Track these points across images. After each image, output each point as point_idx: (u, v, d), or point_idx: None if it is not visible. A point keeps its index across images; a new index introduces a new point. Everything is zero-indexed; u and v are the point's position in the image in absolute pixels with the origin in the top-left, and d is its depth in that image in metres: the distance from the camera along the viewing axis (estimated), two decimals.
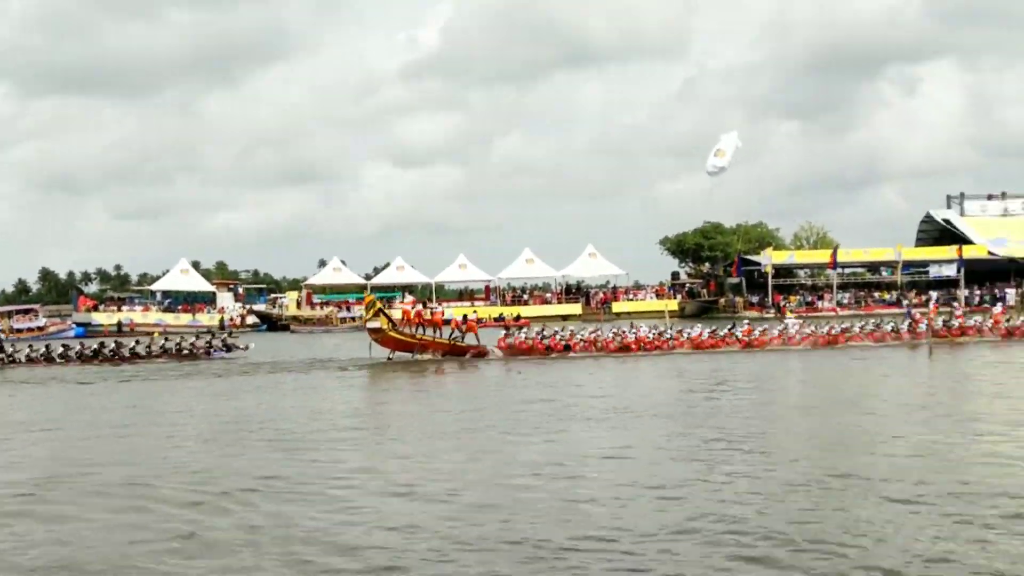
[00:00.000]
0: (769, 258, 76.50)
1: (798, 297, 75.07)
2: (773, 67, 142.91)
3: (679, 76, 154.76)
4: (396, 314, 37.61)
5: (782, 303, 70.49)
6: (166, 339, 40.76)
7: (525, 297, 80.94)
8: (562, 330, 37.00)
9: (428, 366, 31.86)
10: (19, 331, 63.77)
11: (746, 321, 41.21)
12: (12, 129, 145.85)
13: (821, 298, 74.78)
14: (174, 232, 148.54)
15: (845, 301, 73.21)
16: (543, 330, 36.98)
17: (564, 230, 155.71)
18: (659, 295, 78.43)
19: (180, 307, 75.37)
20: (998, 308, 46.81)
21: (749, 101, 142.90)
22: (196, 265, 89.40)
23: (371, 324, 32.78)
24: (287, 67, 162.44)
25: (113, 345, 38.58)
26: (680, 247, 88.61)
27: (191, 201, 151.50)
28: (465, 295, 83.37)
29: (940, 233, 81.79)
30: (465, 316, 36.98)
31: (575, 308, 76.89)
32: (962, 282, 71.32)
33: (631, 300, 78.18)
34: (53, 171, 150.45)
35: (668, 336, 35.04)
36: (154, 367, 34.40)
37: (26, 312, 73.07)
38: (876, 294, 74.90)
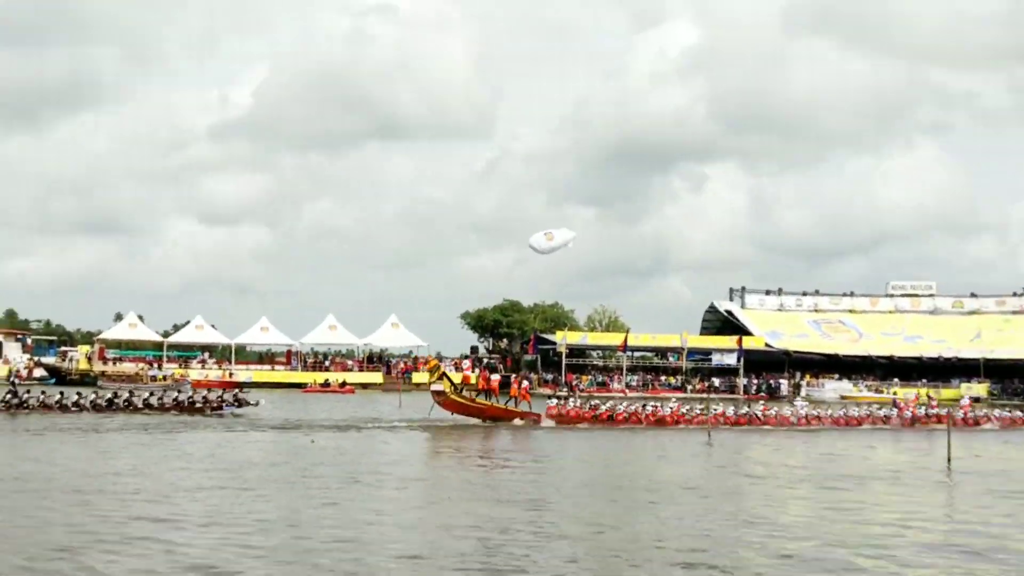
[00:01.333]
0: (564, 338, 77.58)
1: (590, 377, 76.53)
2: (573, 155, 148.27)
3: (484, 156, 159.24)
4: (457, 378, 38.15)
5: (574, 382, 71.99)
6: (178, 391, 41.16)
7: (327, 363, 79.48)
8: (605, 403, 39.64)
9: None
10: None
11: (761, 402, 47.72)
12: None
13: (612, 379, 76.29)
14: None
15: (634, 383, 75.21)
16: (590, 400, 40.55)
17: (368, 298, 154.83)
18: (457, 368, 77.73)
19: None
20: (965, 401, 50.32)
21: (550, 185, 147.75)
22: None
23: (435, 387, 34.80)
24: (94, 116, 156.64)
25: (127, 395, 38.23)
26: (480, 322, 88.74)
27: None
28: (266, 358, 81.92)
29: (723, 323, 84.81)
30: (520, 383, 38.99)
31: (377, 376, 76.25)
32: (741, 371, 74.34)
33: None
34: None
35: (698, 413, 37.42)
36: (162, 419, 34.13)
37: None
38: (663, 378, 77.01)
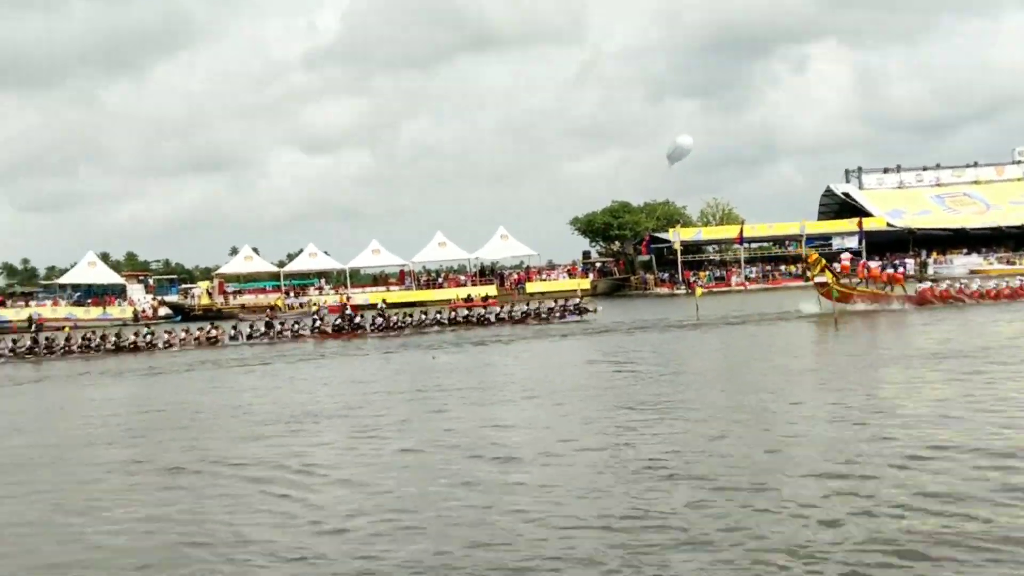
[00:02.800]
0: (678, 235, 77.12)
1: (707, 273, 75.93)
2: (668, 49, 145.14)
3: (578, 59, 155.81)
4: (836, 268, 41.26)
5: (692, 279, 71.18)
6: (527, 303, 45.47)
7: (440, 280, 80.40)
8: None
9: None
10: None
11: None
12: None
13: (731, 273, 75.69)
14: (81, 224, 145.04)
15: (753, 275, 74.34)
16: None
17: (475, 213, 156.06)
18: (571, 274, 78.55)
19: (90, 300, 72.77)
20: None
21: (647, 82, 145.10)
22: (105, 257, 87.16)
23: (819, 279, 37.69)
24: (190, 56, 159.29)
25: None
26: (590, 227, 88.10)
27: (97, 192, 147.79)
28: (380, 280, 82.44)
29: (840, 206, 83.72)
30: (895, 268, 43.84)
31: (490, 290, 75.53)
32: (864, 253, 72.24)
33: (544, 280, 78.13)
34: None
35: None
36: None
37: None
38: (783, 267, 76.09)
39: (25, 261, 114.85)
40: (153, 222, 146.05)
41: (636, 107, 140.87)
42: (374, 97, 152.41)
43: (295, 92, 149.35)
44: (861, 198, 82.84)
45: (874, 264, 43.90)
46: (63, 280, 78.31)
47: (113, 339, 38.37)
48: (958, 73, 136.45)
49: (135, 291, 77.59)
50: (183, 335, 39.23)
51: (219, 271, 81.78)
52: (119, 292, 76.16)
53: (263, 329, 39.87)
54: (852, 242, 73.48)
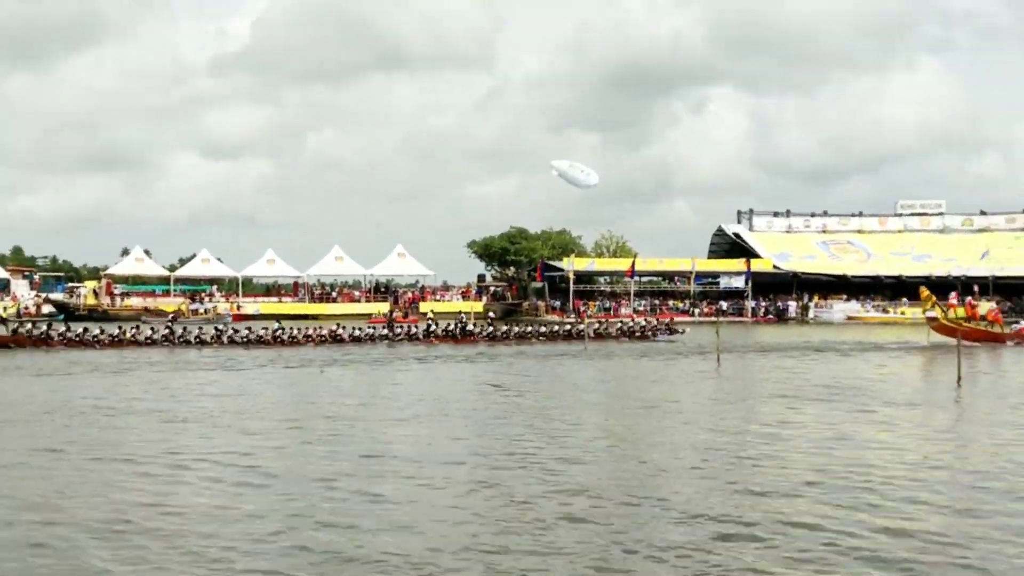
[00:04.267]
0: (572, 264, 77.72)
1: (597, 303, 76.61)
2: (574, 81, 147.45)
3: (486, 84, 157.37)
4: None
5: (582, 308, 71.79)
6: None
7: (333, 294, 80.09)
8: None
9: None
10: None
11: None
12: None
13: (620, 304, 76.24)
14: None
15: (641, 308, 75.05)
16: None
17: (374, 229, 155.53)
18: (465, 296, 78.67)
19: None
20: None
21: (552, 111, 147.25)
22: None
23: (929, 314, 42.71)
24: (97, 53, 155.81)
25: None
26: (487, 250, 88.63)
27: None
28: (273, 290, 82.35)
29: (731, 246, 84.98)
30: (991, 308, 44.81)
31: (384, 306, 75.75)
32: (749, 293, 74.32)
33: (439, 300, 78.15)
34: None
35: None
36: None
37: None
38: (671, 302, 76.98)
39: None
40: (44, 218, 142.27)
41: (539, 135, 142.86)
42: (280, 107, 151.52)
43: (200, 96, 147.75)
44: (751, 239, 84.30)
45: (988, 305, 46.10)
46: None
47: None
48: (847, 126, 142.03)
49: (19, 287, 76.10)
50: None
51: (108, 271, 79.78)
52: (2, 287, 74.38)
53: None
54: (739, 281, 75.58)
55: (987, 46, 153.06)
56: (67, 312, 68.25)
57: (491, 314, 71.90)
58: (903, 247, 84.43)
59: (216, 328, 41.55)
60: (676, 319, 69.48)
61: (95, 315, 64.48)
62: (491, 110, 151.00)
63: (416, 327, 44.77)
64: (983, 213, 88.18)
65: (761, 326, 66.59)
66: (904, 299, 73.60)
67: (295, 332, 40.29)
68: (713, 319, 55.75)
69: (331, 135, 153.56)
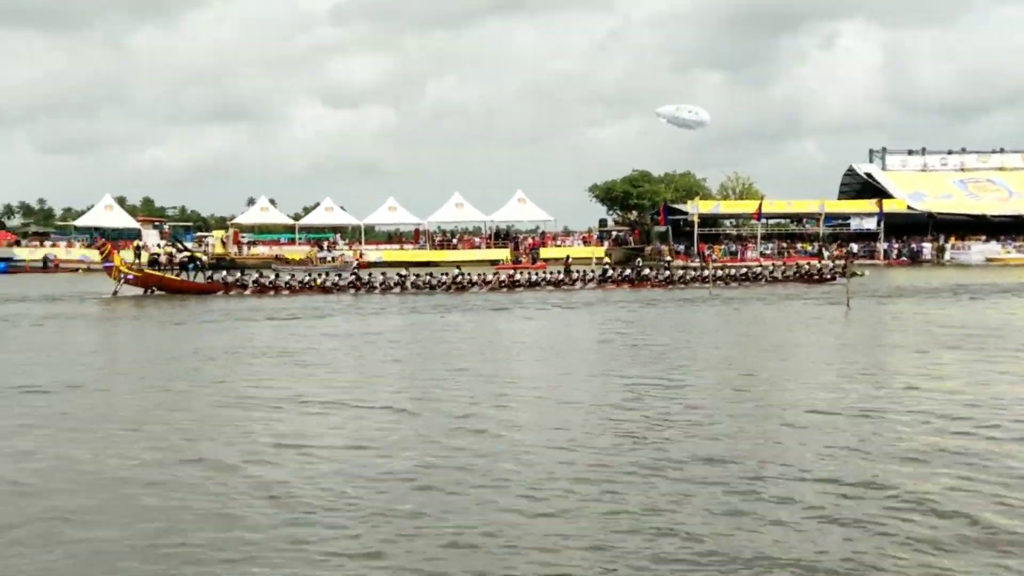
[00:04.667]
0: (696, 207, 76.34)
1: (723, 247, 75.71)
2: (696, 20, 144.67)
3: (607, 24, 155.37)
4: None
5: (707, 252, 70.85)
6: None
7: (454, 241, 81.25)
8: None
9: None
10: None
11: None
12: None
13: (746, 248, 75.48)
14: (100, 167, 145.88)
15: (768, 251, 74.04)
16: None
17: (494, 175, 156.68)
18: (586, 242, 79.04)
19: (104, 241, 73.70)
20: None
21: (674, 51, 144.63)
22: (122, 201, 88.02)
23: None
24: (220, 5, 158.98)
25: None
26: (608, 195, 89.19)
27: (118, 136, 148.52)
28: (394, 238, 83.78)
29: (862, 186, 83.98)
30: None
31: (504, 253, 76.58)
32: (882, 235, 72.92)
33: (560, 246, 78.17)
34: None
35: None
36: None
37: None
38: (799, 245, 75.72)
39: (42, 201, 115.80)
40: (172, 169, 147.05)
41: (662, 76, 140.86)
42: (400, 54, 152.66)
43: (322, 45, 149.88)
44: (883, 179, 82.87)
45: None
46: (79, 222, 79.32)
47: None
48: (989, 57, 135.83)
49: (149, 236, 77.91)
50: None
51: (235, 220, 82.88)
52: (134, 237, 76.65)
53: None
54: (871, 223, 74.42)
55: None
56: (196, 261, 70.67)
57: (606, 259, 72.31)
58: None
59: (398, 275, 42.75)
60: (803, 261, 68.93)
61: (223, 263, 65.62)
62: (612, 51, 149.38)
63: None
64: None
65: (894, 269, 65.09)
66: None
67: (473, 277, 41.86)
68: (841, 261, 54.78)
69: (451, 81, 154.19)
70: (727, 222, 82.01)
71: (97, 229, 76.13)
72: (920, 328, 24.64)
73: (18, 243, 73.66)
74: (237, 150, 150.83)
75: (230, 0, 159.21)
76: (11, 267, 62.73)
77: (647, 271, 43.89)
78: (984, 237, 74.64)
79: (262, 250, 75.06)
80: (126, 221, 78.54)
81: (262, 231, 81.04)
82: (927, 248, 72.91)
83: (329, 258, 70.72)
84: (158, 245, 74.57)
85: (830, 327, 25.49)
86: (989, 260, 69.28)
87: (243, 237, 77.88)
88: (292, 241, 78.45)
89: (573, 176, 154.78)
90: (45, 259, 67.20)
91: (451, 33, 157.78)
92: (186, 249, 71.74)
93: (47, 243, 73.55)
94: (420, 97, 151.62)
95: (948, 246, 73.14)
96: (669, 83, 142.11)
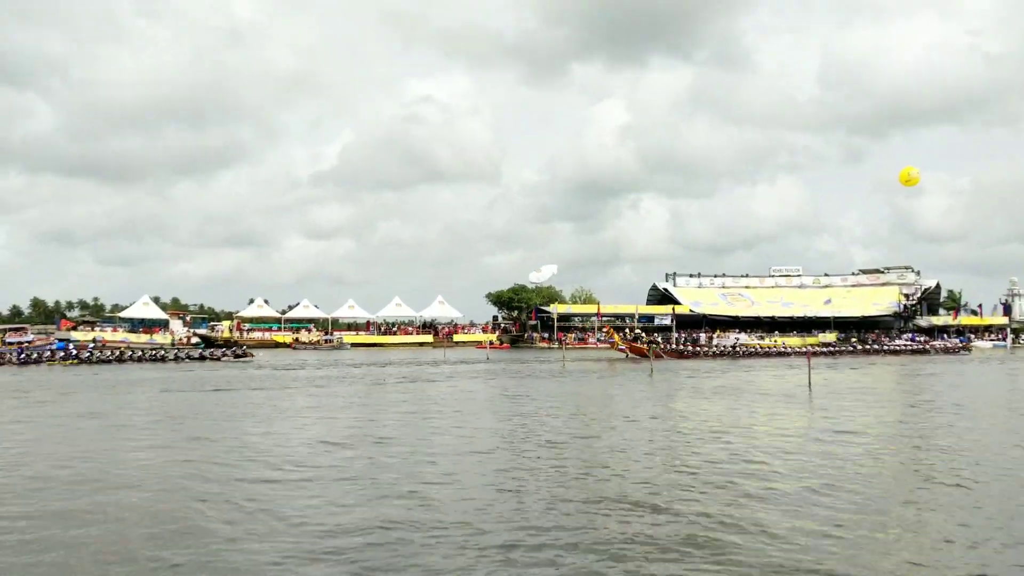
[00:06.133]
0: (556, 309, 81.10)
1: (574, 334, 78.82)
2: (553, 188, 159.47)
3: (496, 191, 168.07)
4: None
5: (563, 338, 74.41)
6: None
7: (394, 329, 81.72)
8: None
9: None
10: (10, 344, 58.88)
11: None
12: (26, 196, 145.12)
13: (588, 336, 78.11)
14: (143, 277, 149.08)
15: (602, 339, 78.81)
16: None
17: (423, 285, 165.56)
18: (484, 330, 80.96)
19: (141, 329, 73.03)
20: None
21: (539, 209, 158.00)
22: (156, 300, 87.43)
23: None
24: (238, 169, 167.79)
25: None
26: (499, 300, 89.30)
27: (158, 255, 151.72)
28: (353, 327, 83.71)
29: (661, 296, 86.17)
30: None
31: (428, 338, 78.90)
32: (674, 328, 76.43)
33: (466, 333, 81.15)
34: (54, 228, 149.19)
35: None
36: None
37: (17, 330, 68.84)
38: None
39: (95, 299, 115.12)
40: (196, 279, 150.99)
41: (532, 225, 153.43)
42: (360, 206, 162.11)
43: (305, 198, 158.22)
44: (675, 292, 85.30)
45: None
46: (123, 314, 77.12)
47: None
48: (732, 218, 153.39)
49: (176, 325, 77.54)
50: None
51: (239, 314, 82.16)
52: (164, 325, 76.74)
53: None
54: (667, 320, 77.34)
55: (819, 166, 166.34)
56: (209, 342, 70.05)
57: (500, 340, 77.29)
58: (774, 297, 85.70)
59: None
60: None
61: (230, 344, 65.69)
62: (499, 207, 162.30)
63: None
64: (826, 275, 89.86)
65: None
66: (776, 332, 76.20)
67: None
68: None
69: (396, 223, 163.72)
70: (576, 319, 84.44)
71: (138, 320, 76.32)
72: (692, 385, 26.88)
73: (75, 328, 71.28)
74: (244, 266, 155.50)
75: (245, 166, 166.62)
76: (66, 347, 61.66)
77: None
78: (738, 330, 77.09)
79: (257, 335, 74.90)
80: (158, 314, 77.54)
81: (258, 321, 79.91)
82: (703, 337, 78.30)
83: (335, 340, 73.54)
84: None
85: (639, 386, 26.82)
86: (741, 344, 74.97)
87: (245, 326, 77.38)
88: (279, 329, 77.78)
89: (476, 287, 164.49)
90: (94, 340, 64.27)
91: (396, 193, 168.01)
92: (197, 334, 73.54)
93: (97, 328, 71.64)
94: (373, 233, 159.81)
95: (715, 336, 78.72)
96: (537, 229, 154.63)
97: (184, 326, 78.56)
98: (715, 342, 75.31)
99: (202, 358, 46.78)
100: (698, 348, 53.54)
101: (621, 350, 47.19)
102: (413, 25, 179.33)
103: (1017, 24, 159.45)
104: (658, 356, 44.90)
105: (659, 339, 61.11)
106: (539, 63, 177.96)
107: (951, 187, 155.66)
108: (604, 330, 57.72)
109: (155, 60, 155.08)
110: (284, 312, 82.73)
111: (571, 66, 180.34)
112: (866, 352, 62.31)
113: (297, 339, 72.34)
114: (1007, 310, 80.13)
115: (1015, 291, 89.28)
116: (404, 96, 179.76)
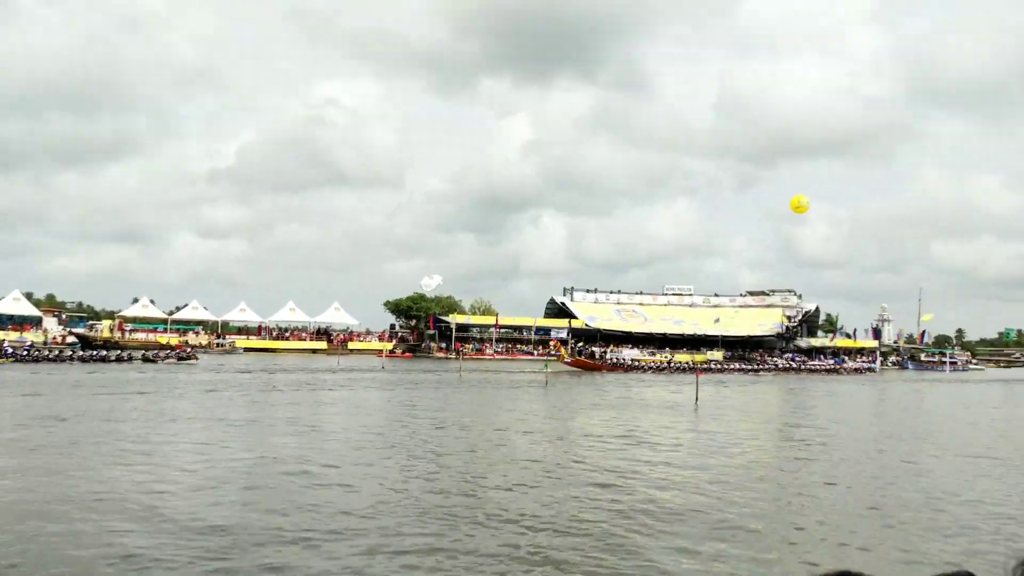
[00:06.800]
0: (454, 319, 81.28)
1: (472, 345, 79.65)
2: (457, 199, 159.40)
3: (400, 198, 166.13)
4: None
5: (461, 349, 75.31)
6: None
7: (287, 334, 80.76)
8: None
9: None
10: None
11: None
12: None
13: (486, 347, 79.15)
14: (17, 271, 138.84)
15: (500, 349, 79.78)
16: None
17: (319, 290, 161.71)
18: (381, 339, 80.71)
19: (10, 326, 68.92)
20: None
21: (441, 218, 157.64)
22: (29, 296, 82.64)
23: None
24: (128, 161, 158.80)
25: None
26: (397, 308, 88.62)
27: (32, 248, 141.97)
28: (244, 331, 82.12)
29: (558, 310, 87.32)
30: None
31: (322, 344, 77.92)
32: (570, 342, 77.83)
33: (362, 341, 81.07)
34: None
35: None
36: None
37: None
38: (519, 346, 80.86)
39: None
40: (77, 274, 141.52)
41: (434, 234, 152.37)
42: (257, 208, 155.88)
43: (200, 196, 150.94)
44: (572, 307, 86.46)
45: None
46: None
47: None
48: (629, 236, 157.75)
49: (50, 323, 74.12)
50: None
51: (121, 313, 79.02)
52: (36, 323, 73.28)
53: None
54: (563, 334, 79.06)
55: (714, 193, 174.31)
56: (86, 342, 66.96)
57: (397, 349, 76.65)
58: (666, 315, 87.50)
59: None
60: (522, 357, 75.51)
61: (108, 345, 63.63)
62: (402, 215, 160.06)
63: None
64: (716, 295, 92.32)
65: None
66: (667, 348, 77.85)
67: None
68: (545, 359, 61.83)
69: (294, 226, 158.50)
70: (475, 329, 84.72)
71: (7, 316, 71.82)
72: (582, 397, 28.44)
73: None
74: (129, 264, 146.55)
75: (137, 158, 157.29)
76: None
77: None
78: (631, 345, 78.68)
79: (140, 336, 71.82)
80: (30, 310, 73.48)
81: (143, 322, 76.88)
82: (597, 351, 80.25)
83: (226, 344, 71.14)
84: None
85: (534, 396, 28.40)
86: (634, 360, 75.88)
87: (127, 326, 73.92)
88: (166, 330, 75.30)
89: (374, 294, 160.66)
90: None
91: (296, 195, 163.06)
92: (74, 333, 69.62)
93: None
94: (270, 235, 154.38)
95: (609, 350, 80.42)
96: (439, 238, 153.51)
97: (60, 324, 74.84)
98: (609, 355, 77.10)
99: (145, 359, 45.70)
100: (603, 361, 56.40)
101: (567, 363, 51.53)
102: (320, 25, 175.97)
103: (890, 70, 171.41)
104: (599, 368, 49.34)
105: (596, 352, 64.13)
106: (449, 74, 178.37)
107: (832, 217, 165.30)
108: (552, 343, 60.78)
109: (44, 41, 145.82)
110: (171, 313, 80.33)
111: (480, 79, 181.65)
112: (755, 371, 64.84)
113: (187, 342, 69.30)
114: (877, 334, 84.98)
115: (885, 317, 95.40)
116: (309, 97, 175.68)
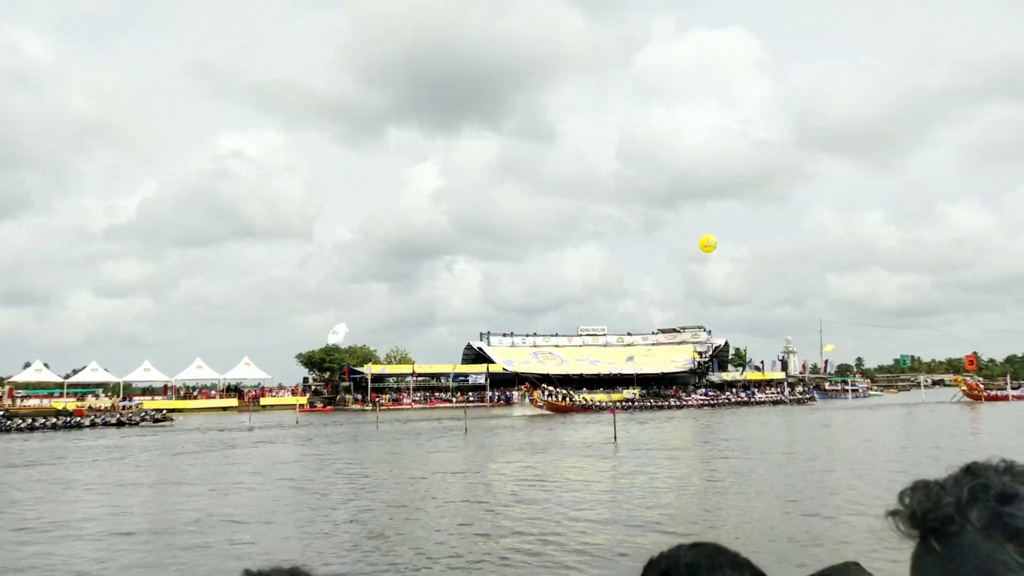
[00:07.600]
0: (369, 370, 79.83)
1: (388, 395, 78.46)
2: (368, 248, 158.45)
3: (308, 249, 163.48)
4: None
5: (377, 399, 74.16)
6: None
7: (195, 393, 77.98)
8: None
9: None
10: None
11: None
12: None
13: (403, 396, 78.18)
14: None
15: (418, 398, 78.82)
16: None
17: (228, 346, 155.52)
18: (294, 393, 78.85)
19: None
20: None
21: (353, 268, 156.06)
22: None
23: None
24: (21, 219, 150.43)
25: None
26: (310, 360, 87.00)
27: None
28: (148, 391, 78.83)
29: (476, 355, 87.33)
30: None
31: (233, 401, 75.47)
32: (488, 386, 78.52)
33: (275, 396, 78.61)
34: None
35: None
36: None
37: None
38: (438, 394, 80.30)
39: None
40: None
41: (345, 284, 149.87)
42: (161, 262, 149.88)
43: (98, 254, 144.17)
44: (489, 351, 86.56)
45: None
46: None
47: None
48: (542, 281, 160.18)
49: None
50: None
51: (11, 379, 74.09)
52: None
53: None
54: (481, 379, 78.91)
55: (622, 236, 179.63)
56: None
57: (312, 403, 74.34)
58: (582, 355, 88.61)
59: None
60: (441, 405, 74.63)
61: None
62: (312, 266, 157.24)
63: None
64: (629, 334, 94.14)
65: (495, 408, 72.07)
66: (584, 388, 77.92)
67: None
68: (463, 405, 61.35)
69: (200, 281, 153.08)
70: (391, 379, 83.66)
71: None
72: (503, 442, 28.75)
73: None
74: (20, 326, 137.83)
75: (29, 215, 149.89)
76: None
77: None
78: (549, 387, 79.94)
79: (32, 403, 66.96)
80: None
81: (36, 388, 72.78)
82: (515, 395, 79.78)
83: (132, 406, 67.49)
84: None
85: (454, 444, 28.89)
86: (603, 401, 75.11)
87: (17, 392, 69.28)
88: (62, 395, 70.81)
89: (286, 348, 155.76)
90: None
91: (203, 249, 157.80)
92: None
93: None
94: (174, 291, 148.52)
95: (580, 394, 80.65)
96: (351, 289, 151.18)
97: None
98: (577, 399, 77.17)
99: (119, 424, 45.66)
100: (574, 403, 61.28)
101: (540, 407, 54.69)
102: (221, 78, 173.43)
103: (779, 116, 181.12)
104: (571, 410, 52.89)
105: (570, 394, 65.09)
106: (356, 124, 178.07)
107: (733, 255, 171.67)
108: (525, 387, 62.35)
109: None
110: (68, 376, 76.61)
111: (388, 129, 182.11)
112: (671, 407, 66.05)
113: (90, 407, 65.45)
114: (784, 366, 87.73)
115: (790, 349, 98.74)
116: (212, 149, 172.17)
